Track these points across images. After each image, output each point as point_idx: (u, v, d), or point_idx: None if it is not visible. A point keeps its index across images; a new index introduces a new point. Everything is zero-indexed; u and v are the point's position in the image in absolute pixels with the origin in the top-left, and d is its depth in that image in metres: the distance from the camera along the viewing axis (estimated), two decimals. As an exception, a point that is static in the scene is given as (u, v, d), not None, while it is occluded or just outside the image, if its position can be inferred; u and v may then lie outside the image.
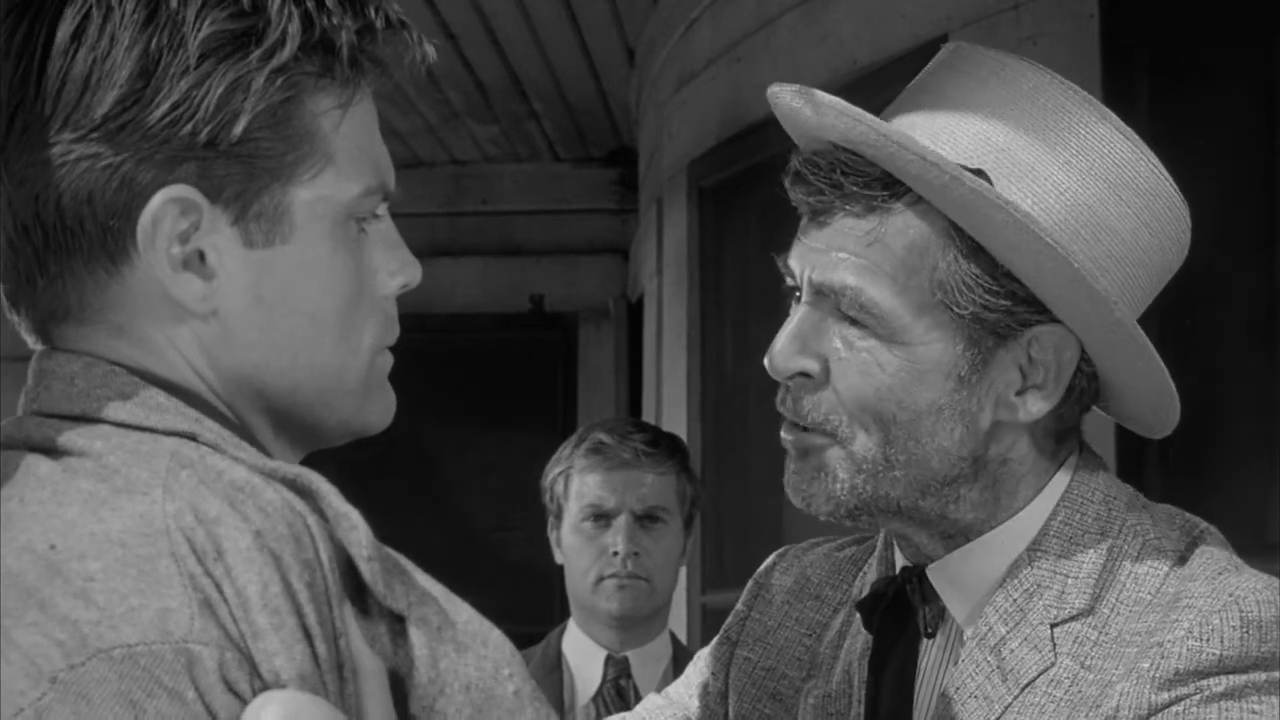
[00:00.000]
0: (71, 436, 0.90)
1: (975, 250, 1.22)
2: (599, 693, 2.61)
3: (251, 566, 0.83)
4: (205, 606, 0.82)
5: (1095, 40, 2.92)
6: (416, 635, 0.88)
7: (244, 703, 0.81)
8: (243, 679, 0.81)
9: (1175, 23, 2.92)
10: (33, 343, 1.00)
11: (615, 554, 2.56)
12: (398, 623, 0.89)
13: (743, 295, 4.23)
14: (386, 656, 0.88)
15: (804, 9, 3.77)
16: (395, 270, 1.03)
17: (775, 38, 3.91)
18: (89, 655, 0.79)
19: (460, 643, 0.90)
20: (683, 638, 3.28)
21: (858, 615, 1.36)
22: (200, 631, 0.81)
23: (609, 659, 2.62)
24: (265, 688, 0.82)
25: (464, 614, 0.92)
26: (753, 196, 4.10)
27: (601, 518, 2.59)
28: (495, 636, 0.92)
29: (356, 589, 0.89)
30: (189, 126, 0.92)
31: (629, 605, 2.58)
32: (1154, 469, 2.78)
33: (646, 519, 2.60)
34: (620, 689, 2.59)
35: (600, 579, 2.58)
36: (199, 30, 0.92)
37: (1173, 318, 2.75)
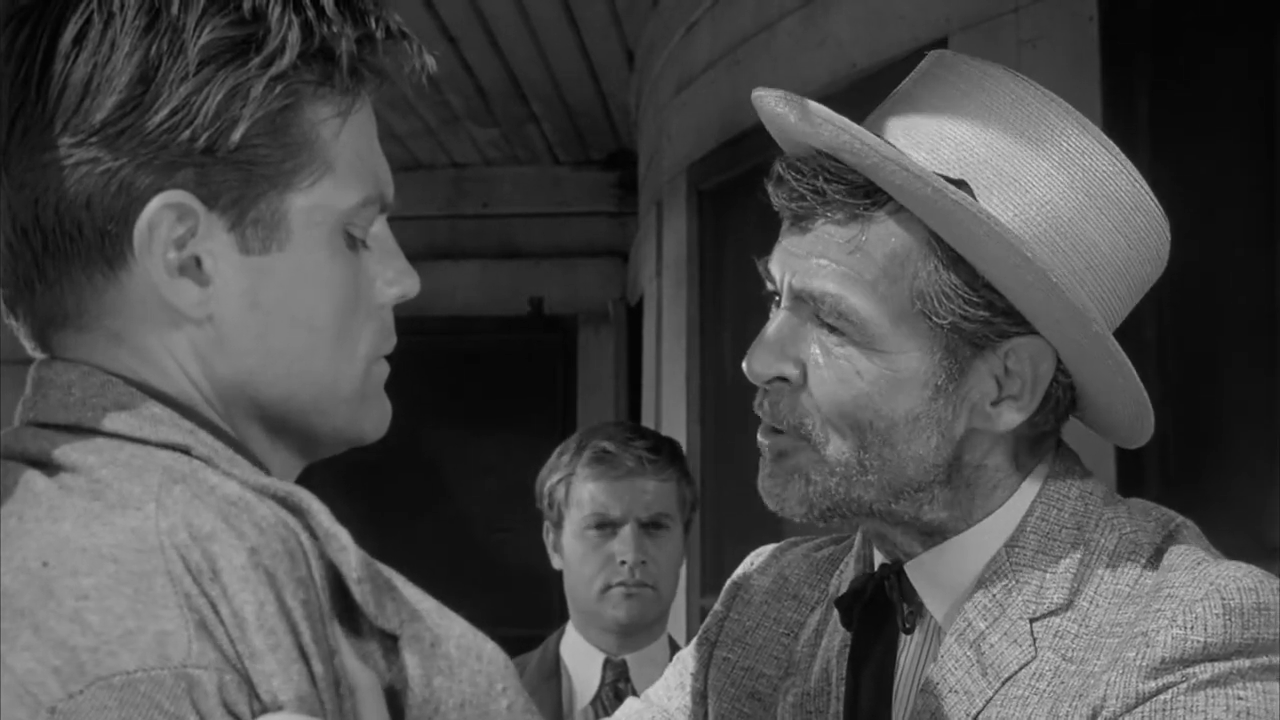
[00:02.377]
0: (66, 450, 0.90)
1: (956, 261, 1.22)
2: (598, 696, 2.62)
3: (247, 586, 0.83)
4: (202, 628, 0.81)
5: (1095, 43, 2.92)
6: (409, 655, 0.88)
7: None
8: (242, 701, 0.81)
9: (1175, 25, 2.92)
10: (31, 349, 1.00)
11: (623, 563, 2.56)
12: (389, 640, 0.89)
13: (742, 298, 4.22)
14: (380, 673, 0.88)
15: (803, 12, 3.77)
16: (392, 280, 1.03)
17: (774, 41, 3.91)
18: (87, 683, 0.79)
19: (453, 658, 0.90)
20: (681, 641, 3.28)
21: (835, 613, 1.37)
22: (199, 655, 0.80)
23: (607, 662, 2.62)
24: (264, 709, 0.81)
25: (457, 628, 0.91)
26: (752, 199, 4.08)
27: (606, 525, 2.59)
28: (489, 650, 0.92)
29: (346, 608, 0.88)
30: (187, 132, 0.92)
31: (637, 613, 2.59)
32: (1154, 472, 2.78)
33: (651, 526, 2.60)
34: (619, 692, 2.59)
35: (607, 587, 2.58)
36: (199, 37, 0.92)
37: (1173, 320, 2.75)
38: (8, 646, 0.80)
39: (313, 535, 0.89)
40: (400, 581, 0.92)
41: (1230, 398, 2.83)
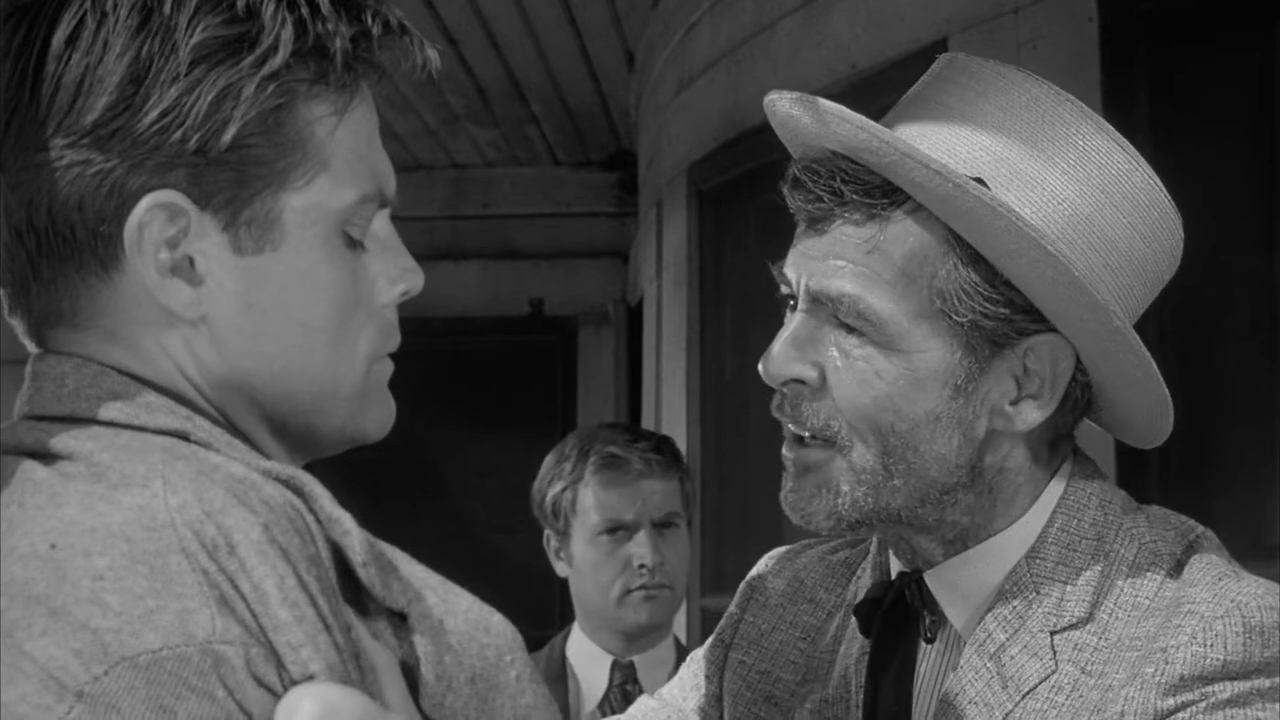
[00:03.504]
0: (64, 440, 0.90)
1: (975, 258, 1.22)
2: (605, 698, 2.61)
3: (265, 560, 0.82)
4: (223, 604, 0.81)
5: (1095, 44, 2.92)
6: (419, 634, 0.88)
7: (276, 696, 0.80)
8: (271, 672, 0.80)
9: (1174, 26, 2.92)
10: (30, 346, 1.00)
11: (642, 567, 2.56)
12: (397, 619, 0.89)
13: (742, 299, 4.22)
14: (393, 650, 0.88)
15: (803, 13, 3.77)
16: (395, 278, 1.03)
17: (774, 41, 3.91)
18: (112, 663, 0.78)
19: (462, 633, 0.90)
20: (684, 641, 3.27)
21: (854, 619, 1.36)
22: (223, 630, 0.80)
23: (615, 664, 2.62)
24: (294, 681, 0.81)
25: (463, 602, 0.92)
26: (752, 200, 4.10)
27: (618, 529, 2.58)
28: (496, 622, 0.92)
29: (352, 590, 0.88)
30: (179, 133, 0.92)
31: (658, 614, 2.59)
32: (1154, 473, 2.78)
33: (662, 526, 2.60)
34: (627, 694, 2.58)
35: (627, 592, 2.57)
36: (191, 37, 0.92)
37: (1173, 321, 2.74)
38: (25, 634, 0.79)
39: (316, 519, 0.88)
40: (404, 560, 0.92)
41: (1230, 398, 2.83)
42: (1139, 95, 2.92)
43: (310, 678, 0.81)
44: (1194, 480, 2.77)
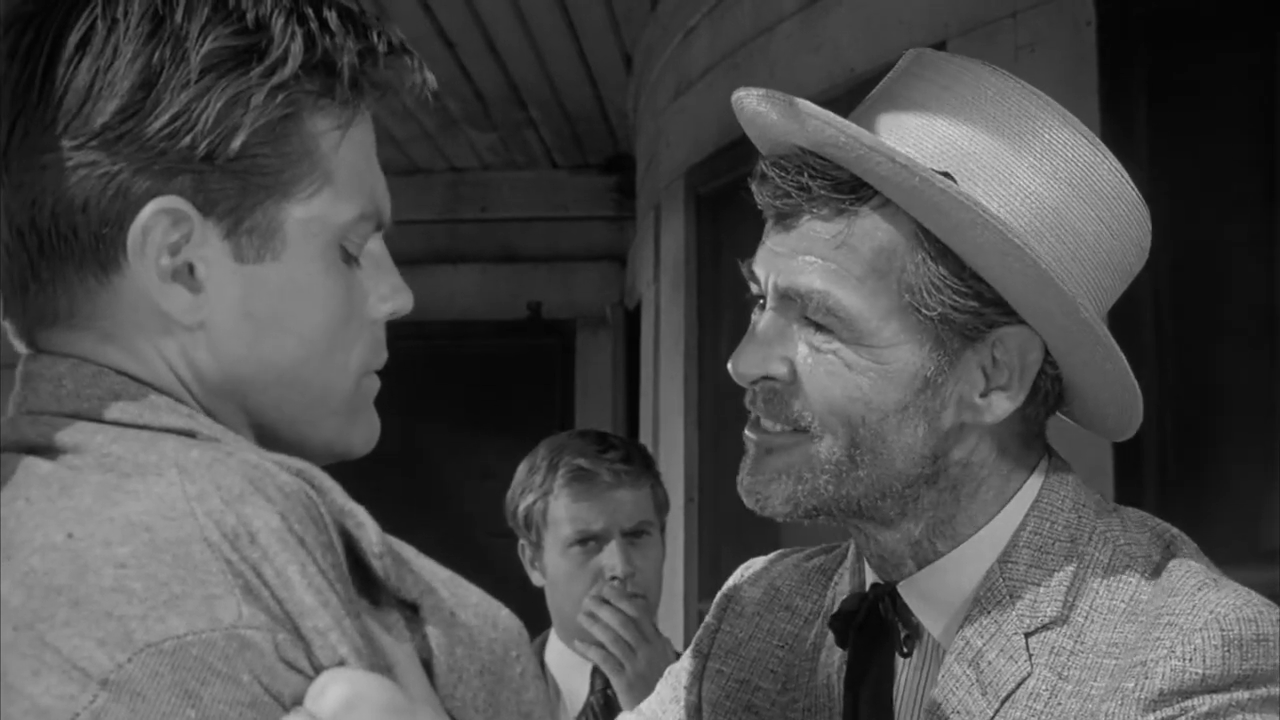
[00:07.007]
0: (69, 433, 0.90)
1: (943, 252, 1.22)
2: (587, 705, 2.60)
3: (287, 547, 0.82)
4: (248, 592, 0.80)
5: (1093, 48, 2.93)
6: (432, 626, 0.89)
7: (309, 679, 0.80)
8: (301, 657, 0.80)
9: (1173, 30, 2.92)
10: (19, 348, 1.00)
11: (613, 579, 2.56)
12: (409, 611, 0.89)
13: (740, 302, 4.22)
14: (405, 642, 0.88)
15: (802, 17, 3.77)
16: (386, 296, 1.03)
17: (773, 45, 3.92)
18: (136, 650, 0.77)
19: (472, 627, 0.90)
20: (679, 645, 3.27)
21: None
22: (250, 617, 0.79)
23: (595, 671, 2.61)
24: (323, 666, 0.81)
25: (473, 596, 0.92)
26: (750, 203, 4.10)
27: (589, 540, 2.58)
28: (503, 617, 0.93)
29: (362, 583, 0.88)
30: (187, 139, 0.92)
31: None
32: (1152, 475, 2.78)
33: (633, 535, 2.60)
34: (609, 699, 2.58)
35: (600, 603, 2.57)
36: (201, 45, 0.93)
37: (1172, 322, 2.75)
38: (47, 626, 0.79)
39: (328, 510, 0.88)
40: (412, 553, 0.92)
41: (1229, 399, 2.84)
42: (1137, 98, 2.92)
43: (341, 663, 0.81)
44: (1191, 482, 2.77)
